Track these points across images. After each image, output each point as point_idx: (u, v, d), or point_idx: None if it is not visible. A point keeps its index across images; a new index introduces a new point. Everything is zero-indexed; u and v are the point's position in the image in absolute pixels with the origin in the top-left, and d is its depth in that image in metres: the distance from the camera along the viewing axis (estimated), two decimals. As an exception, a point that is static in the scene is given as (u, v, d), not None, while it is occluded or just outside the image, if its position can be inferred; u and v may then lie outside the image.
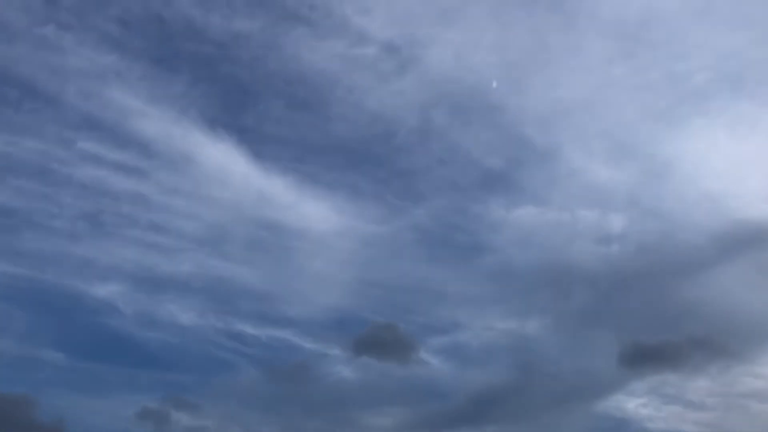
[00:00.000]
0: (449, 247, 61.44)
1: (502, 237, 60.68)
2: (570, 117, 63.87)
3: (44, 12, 60.54)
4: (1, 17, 59.73)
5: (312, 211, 61.30)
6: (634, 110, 63.85)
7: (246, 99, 62.78)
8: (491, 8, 63.97)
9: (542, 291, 59.37)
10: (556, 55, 63.44)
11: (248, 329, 58.17)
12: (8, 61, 60.17)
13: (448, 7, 63.53)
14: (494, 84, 62.49)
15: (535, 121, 63.38)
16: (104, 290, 57.55)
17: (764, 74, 61.92)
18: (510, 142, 63.39)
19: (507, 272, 59.66)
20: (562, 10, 63.44)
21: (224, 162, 61.22)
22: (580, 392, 57.48)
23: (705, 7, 62.88)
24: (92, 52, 60.59)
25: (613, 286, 58.92)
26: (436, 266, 60.36)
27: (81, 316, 58.12)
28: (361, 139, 63.30)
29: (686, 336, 56.67)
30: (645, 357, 57.15)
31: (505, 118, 63.36)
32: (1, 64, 60.13)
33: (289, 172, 61.66)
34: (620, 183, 62.10)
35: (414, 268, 60.22)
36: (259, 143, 62.27)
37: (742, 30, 61.77)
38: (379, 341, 57.93)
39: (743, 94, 62.52)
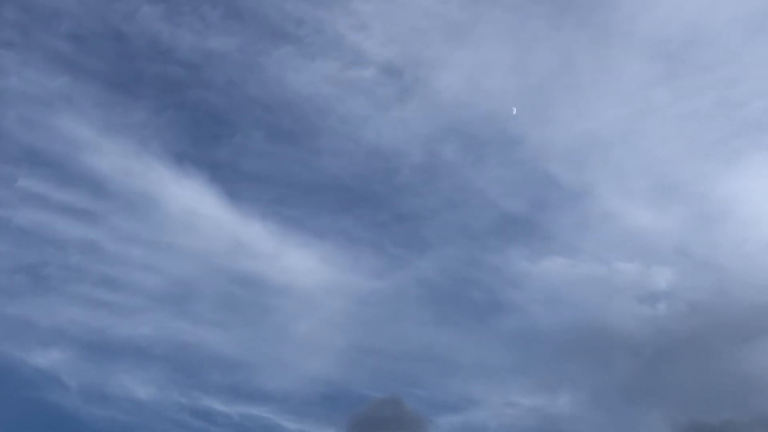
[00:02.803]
0: (461, 306, 54.39)
1: (524, 294, 53.85)
2: (603, 151, 58.07)
3: (-20, 26, 55.91)
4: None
5: (297, 262, 54.57)
6: (679, 143, 58.09)
7: (220, 129, 56.85)
8: (509, 24, 58.83)
9: (574, 359, 52.58)
10: (585, 78, 58.08)
11: (218, 406, 50.97)
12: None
13: (457, 23, 58.47)
14: (513, 111, 56.55)
15: (562, 155, 57.54)
16: (45, 358, 50.95)
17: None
18: (533, 180, 57.10)
19: (531, 336, 53.00)
20: (592, 26, 58.42)
21: (192, 204, 54.88)
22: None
23: (761, 22, 57.27)
24: (38, 74, 55.45)
25: (660, 354, 52.30)
26: (446, 329, 53.43)
27: (16, 390, 50.83)
28: (356, 176, 56.97)
29: (752, 414, 49.00)
30: (702, 440, 51.25)
31: (526, 153, 57.36)
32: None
33: (269, 215, 55.01)
34: (665, 230, 55.64)
35: (419, 331, 53.35)
36: (234, 181, 55.90)
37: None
38: (379, 421, 50.50)
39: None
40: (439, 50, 58.21)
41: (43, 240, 53.69)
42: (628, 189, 56.94)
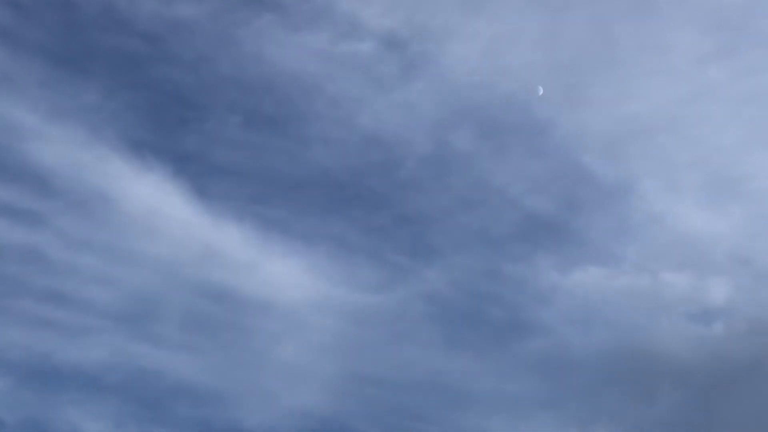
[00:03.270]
0: (478, 325, 47.88)
1: (553, 311, 47.62)
2: (648, 139, 51.87)
3: None
4: None
5: (280, 273, 48.05)
6: (739, 130, 52.05)
7: (187, 113, 50.29)
8: (535, -12, 53.82)
9: (613, 389, 46.36)
10: (627, 52, 51.94)
11: (185, 444, 46.00)
12: None
13: (473, -13, 53.44)
14: (540, 92, 50.42)
15: (599, 145, 51.24)
16: (-25, 388, 45.82)
17: None
18: (563, 175, 50.89)
19: (562, 362, 46.64)
20: (635, -9, 53.25)
21: (155, 202, 48.47)
22: None
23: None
24: (-31, 49, 50.24)
25: (716, 381, 46.00)
26: (460, 354, 47.04)
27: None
28: (351, 170, 50.38)
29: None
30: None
31: (555, 142, 50.96)
32: None
33: (247, 217, 48.47)
34: (722, 234, 49.56)
35: (427, 356, 46.93)
36: (205, 176, 49.34)
37: None
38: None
39: None
40: (450, 19, 52.42)
41: (-25, 247, 49.10)
42: (677, 185, 51.10)
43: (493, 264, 48.72)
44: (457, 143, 51.29)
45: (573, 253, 49.08)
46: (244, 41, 50.39)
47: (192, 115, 50.17)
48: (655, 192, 50.31)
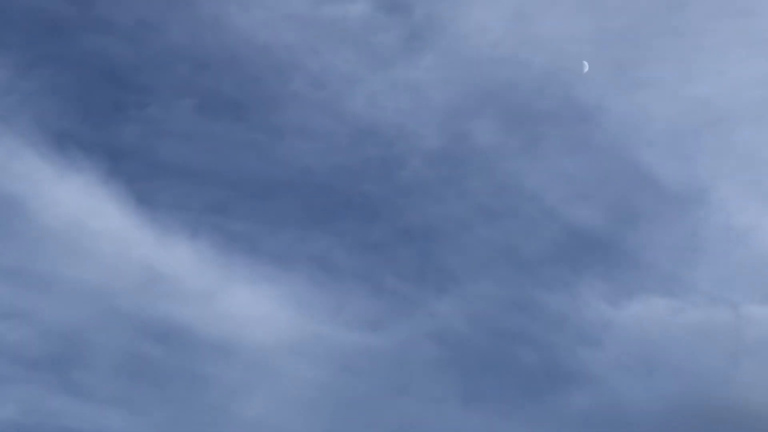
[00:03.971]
0: (502, 373, 37.11)
1: (603, 354, 37.10)
2: (725, 133, 41.11)
3: None
4: None
5: (244, 304, 37.33)
6: None
7: (124, 96, 39.93)
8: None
9: None
10: (696, 18, 41.38)
11: None
12: None
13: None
14: (585, 69, 40.21)
15: (661, 138, 40.70)
16: None
17: None
18: (614, 177, 40.11)
19: (613, 420, 35.87)
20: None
21: (81, 212, 38.15)
22: None
23: None
24: None
25: None
26: (479, 409, 36.26)
27: None
28: (338, 171, 39.83)
29: None
30: None
31: (604, 135, 40.40)
32: None
33: (202, 231, 38.15)
34: None
35: (437, 412, 36.19)
36: (146, 178, 38.93)
37: None
38: None
39: None
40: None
41: None
42: (763, 192, 40.46)
43: (523, 293, 38.11)
44: (475, 136, 40.48)
45: (628, 279, 38.47)
46: (199, 2, 40.17)
47: (130, 99, 39.75)
48: (735, 200, 39.66)
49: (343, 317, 37.13)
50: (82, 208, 37.44)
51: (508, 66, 40.64)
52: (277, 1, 40.33)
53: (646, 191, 39.41)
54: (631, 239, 39.23)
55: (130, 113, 39.61)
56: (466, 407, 36.59)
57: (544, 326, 37.48)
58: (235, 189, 38.83)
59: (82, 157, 37.99)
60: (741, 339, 38.16)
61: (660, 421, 36.52)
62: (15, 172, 37.28)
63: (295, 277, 37.59)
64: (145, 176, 38.36)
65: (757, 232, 38.93)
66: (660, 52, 41.26)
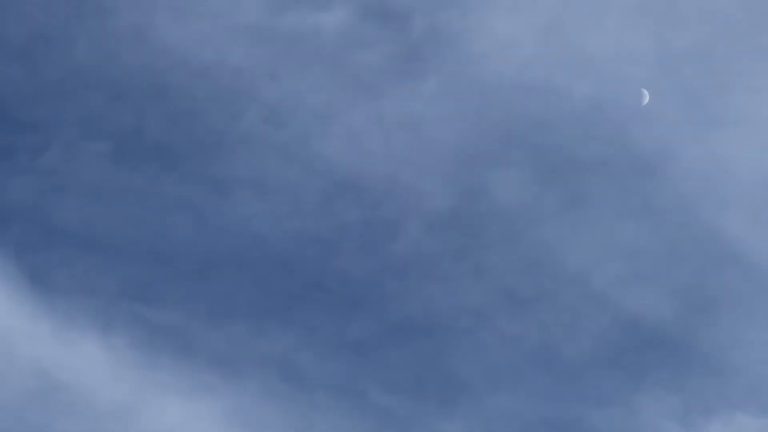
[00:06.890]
0: None
1: None
2: None
3: None
4: None
5: (174, 424, 26.91)
6: None
7: (9, 139, 29.39)
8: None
9: None
10: None
11: None
12: None
13: None
14: (645, 99, 30.29)
15: (748, 198, 29.89)
16: None
17: None
18: (685, 251, 29.78)
19: None
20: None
21: None
22: None
23: None
24: None
25: None
26: None
27: None
28: (308, 237, 29.66)
29: None
30: None
31: (669, 191, 30.23)
32: None
33: (116, 321, 28.22)
34: None
35: None
36: (40, 249, 28.67)
37: None
38: None
39: None
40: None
41: None
42: None
43: (562, 409, 28.44)
44: (495, 192, 30.72)
45: (706, 389, 29.20)
46: (116, 10, 30.23)
47: (20, 142, 29.59)
48: None
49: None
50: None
51: (540, 96, 30.64)
52: (223, 8, 30.24)
53: (729, 270, 29.65)
54: (709, 335, 30.26)
55: (19, 161, 30.33)
56: None
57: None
58: (161, 266, 28.90)
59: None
60: None
61: None
62: None
63: (243, 388, 28.44)
64: (39, 248, 29.14)
65: None
66: (745, 78, 31.56)
